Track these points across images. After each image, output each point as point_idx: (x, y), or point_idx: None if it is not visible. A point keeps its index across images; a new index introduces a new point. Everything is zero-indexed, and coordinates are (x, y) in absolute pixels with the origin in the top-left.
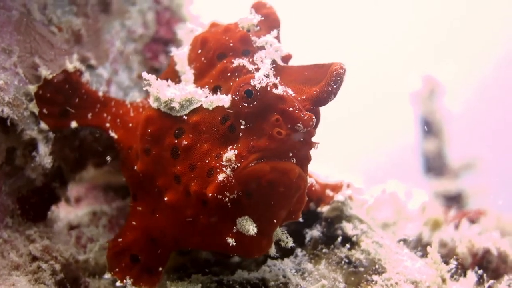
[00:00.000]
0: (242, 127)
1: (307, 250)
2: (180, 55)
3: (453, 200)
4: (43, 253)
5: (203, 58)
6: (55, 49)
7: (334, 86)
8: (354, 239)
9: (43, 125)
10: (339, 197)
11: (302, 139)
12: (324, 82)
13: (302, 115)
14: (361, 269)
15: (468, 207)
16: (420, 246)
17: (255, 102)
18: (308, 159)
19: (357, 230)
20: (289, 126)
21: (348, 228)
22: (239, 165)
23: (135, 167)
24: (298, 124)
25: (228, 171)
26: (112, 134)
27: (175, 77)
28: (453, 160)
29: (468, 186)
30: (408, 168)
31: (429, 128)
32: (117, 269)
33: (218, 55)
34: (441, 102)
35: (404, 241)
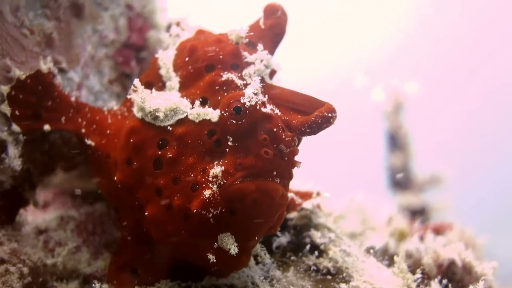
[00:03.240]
0: (229, 143)
1: (275, 257)
2: (166, 59)
3: (418, 214)
4: (11, 256)
5: (190, 67)
6: (27, 52)
7: (308, 131)
8: (322, 247)
9: (15, 127)
10: (307, 204)
11: (286, 158)
12: (303, 120)
13: (283, 136)
14: (329, 277)
15: (432, 221)
16: (386, 256)
17: (243, 120)
18: (290, 177)
19: (325, 239)
20: (275, 145)
21: (316, 236)
22: (225, 181)
23: (114, 178)
24: (282, 145)
25: (215, 187)
26: (89, 141)
27: (158, 81)
28: (418, 174)
29: (432, 201)
30: (373, 181)
31: (395, 143)
32: (115, 281)
33: (207, 66)
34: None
35: (371, 250)
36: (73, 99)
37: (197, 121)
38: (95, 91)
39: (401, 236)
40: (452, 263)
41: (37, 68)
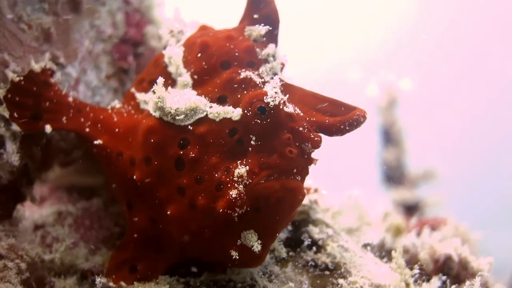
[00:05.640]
0: (252, 142)
1: (273, 253)
2: (174, 56)
3: (411, 209)
4: (9, 251)
5: (204, 63)
6: (25, 47)
7: (347, 128)
8: (320, 242)
9: (15, 127)
10: (304, 200)
11: (306, 156)
12: (341, 119)
13: (312, 136)
14: (327, 272)
15: (426, 216)
16: (383, 252)
17: (268, 120)
18: (307, 174)
19: (323, 234)
20: (297, 144)
21: (315, 232)
22: (250, 181)
23: (132, 176)
24: (306, 143)
25: (241, 187)
26: (97, 141)
27: (167, 79)
28: (411, 170)
29: (426, 196)
30: (366, 176)
31: (388, 138)
32: (114, 276)
33: (222, 62)
34: (401, 112)
35: (368, 246)
36: (70, 99)
37: (217, 120)
38: (93, 86)
39: (397, 232)
40: (448, 259)
41: (30, 68)
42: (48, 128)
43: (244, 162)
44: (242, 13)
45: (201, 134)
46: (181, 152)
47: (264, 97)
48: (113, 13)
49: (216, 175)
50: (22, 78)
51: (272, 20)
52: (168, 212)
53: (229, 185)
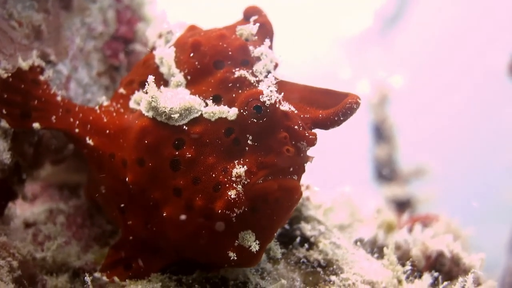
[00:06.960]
0: (249, 142)
1: (266, 250)
2: (165, 57)
3: (403, 205)
4: (0, 249)
5: (196, 63)
6: (15, 44)
7: (342, 118)
8: (312, 239)
9: (4, 124)
10: None
11: (302, 154)
12: (334, 110)
13: (306, 134)
14: (319, 269)
15: (418, 212)
16: (375, 248)
17: (264, 119)
18: (303, 172)
19: (315, 231)
20: (293, 143)
21: (307, 228)
22: (248, 181)
23: (124, 178)
24: (302, 142)
25: (239, 187)
26: (88, 141)
27: (159, 80)
28: (403, 166)
29: (418, 192)
30: (358, 173)
31: (380, 134)
32: (108, 272)
33: (215, 62)
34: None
35: (360, 242)
36: (59, 98)
37: (213, 119)
38: (84, 84)
39: (389, 228)
40: (440, 255)
41: (18, 66)
42: (36, 126)
43: (241, 162)
44: (233, 21)
45: (197, 134)
46: (177, 153)
47: (260, 96)
48: (104, 10)
49: (213, 175)
50: (10, 75)
51: (268, 28)
52: (164, 214)
53: (227, 185)
